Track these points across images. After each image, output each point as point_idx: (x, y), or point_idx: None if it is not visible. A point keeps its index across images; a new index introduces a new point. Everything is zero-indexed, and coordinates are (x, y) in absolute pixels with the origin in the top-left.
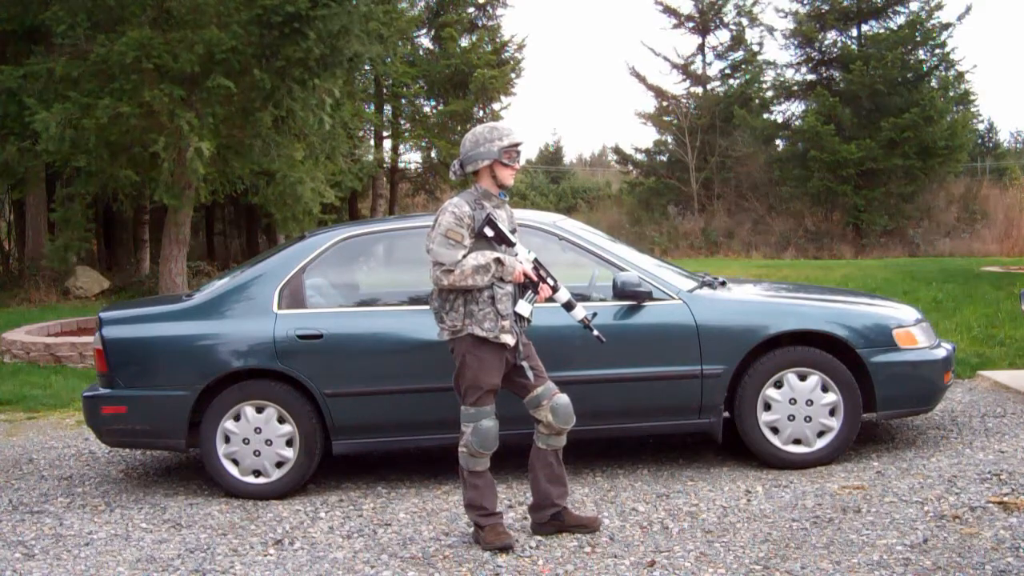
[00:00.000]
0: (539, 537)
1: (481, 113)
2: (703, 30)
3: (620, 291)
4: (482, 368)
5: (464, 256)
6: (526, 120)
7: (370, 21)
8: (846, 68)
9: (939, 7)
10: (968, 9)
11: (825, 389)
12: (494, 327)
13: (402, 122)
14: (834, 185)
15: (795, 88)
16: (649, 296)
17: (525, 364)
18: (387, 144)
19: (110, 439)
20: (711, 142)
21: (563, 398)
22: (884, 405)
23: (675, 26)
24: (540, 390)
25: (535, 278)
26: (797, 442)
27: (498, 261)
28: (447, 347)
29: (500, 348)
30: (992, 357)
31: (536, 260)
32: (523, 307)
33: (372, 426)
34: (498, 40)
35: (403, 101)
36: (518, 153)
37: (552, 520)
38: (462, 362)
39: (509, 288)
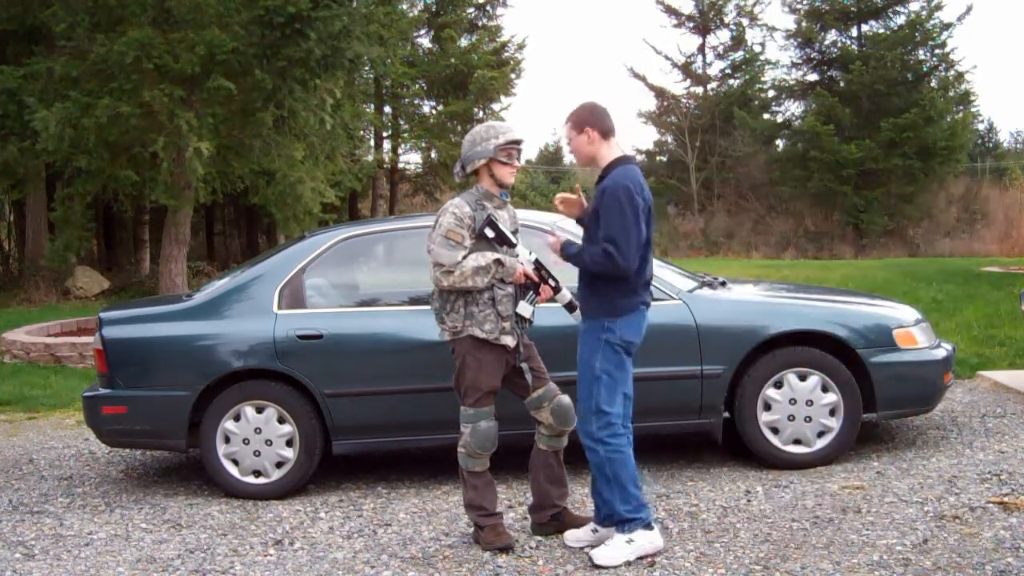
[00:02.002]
0: (539, 537)
1: (481, 114)
2: (704, 30)
3: None
4: (482, 370)
5: (464, 257)
6: (526, 120)
7: (371, 23)
8: (846, 68)
9: (939, 7)
10: (968, 9)
11: (825, 389)
12: (495, 329)
13: (402, 122)
14: (834, 185)
15: (795, 88)
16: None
17: (526, 366)
18: (387, 144)
19: (110, 439)
20: (711, 142)
21: (564, 399)
22: (884, 405)
23: (676, 25)
24: (541, 391)
25: (536, 279)
26: (797, 442)
27: (498, 262)
28: (447, 347)
29: (500, 350)
30: (992, 357)
31: (537, 260)
32: (524, 308)
33: (372, 426)
34: (498, 40)
35: (403, 101)
36: (517, 151)
37: (552, 520)
38: (462, 363)
39: (510, 289)
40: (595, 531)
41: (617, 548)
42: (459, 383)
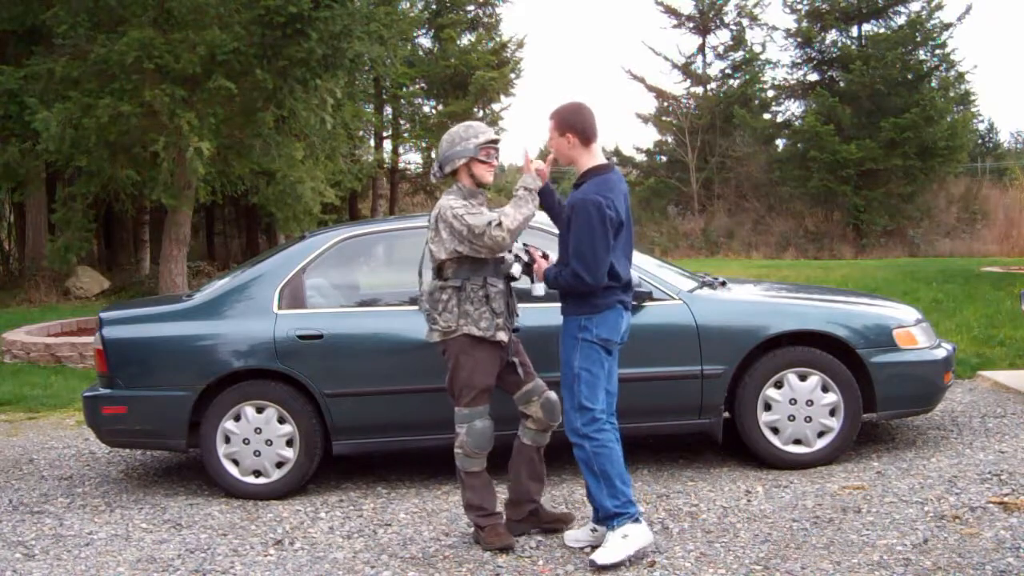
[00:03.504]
0: (539, 537)
1: (481, 113)
2: (703, 30)
3: None
4: (477, 368)
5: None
6: (526, 120)
7: (371, 22)
8: (846, 68)
9: (939, 7)
10: (968, 9)
11: (825, 389)
12: (490, 326)
13: (402, 123)
14: (834, 185)
15: (795, 88)
16: (649, 296)
17: (517, 360)
18: (387, 144)
19: (110, 439)
20: (711, 142)
21: (553, 395)
22: (884, 405)
23: (675, 26)
24: (530, 386)
25: (535, 255)
26: (797, 442)
27: (525, 189)
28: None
29: (495, 347)
30: (992, 357)
31: (524, 244)
32: (538, 288)
33: (372, 426)
34: (498, 40)
35: (403, 102)
36: (496, 150)
37: (529, 516)
38: (455, 363)
39: (502, 286)
40: (594, 531)
41: (615, 546)
42: (453, 384)
